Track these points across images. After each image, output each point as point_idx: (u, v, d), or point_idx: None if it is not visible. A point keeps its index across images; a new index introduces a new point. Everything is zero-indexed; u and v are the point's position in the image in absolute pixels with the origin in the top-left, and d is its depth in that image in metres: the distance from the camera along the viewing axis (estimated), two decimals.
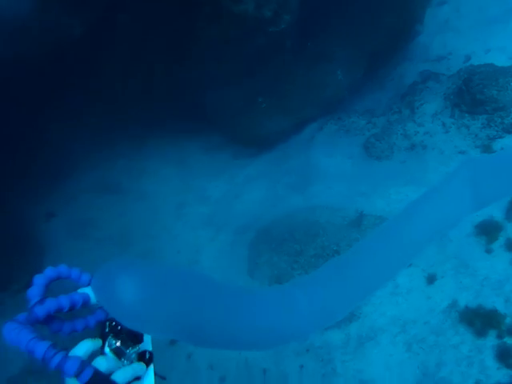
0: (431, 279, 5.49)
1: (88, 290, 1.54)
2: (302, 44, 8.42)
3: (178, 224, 7.83)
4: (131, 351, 1.55)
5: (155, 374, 1.64)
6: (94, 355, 1.45)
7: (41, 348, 1.31)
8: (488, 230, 5.60)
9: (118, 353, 1.52)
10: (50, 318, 1.47)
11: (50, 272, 1.53)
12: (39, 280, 1.50)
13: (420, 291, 5.44)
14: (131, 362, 1.54)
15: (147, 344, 1.64)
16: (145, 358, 1.59)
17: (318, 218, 6.64)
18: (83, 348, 1.45)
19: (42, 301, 1.46)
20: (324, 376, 5.04)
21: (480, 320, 4.89)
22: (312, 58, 8.54)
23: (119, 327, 1.54)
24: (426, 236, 1.82)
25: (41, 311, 1.42)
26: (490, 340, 4.78)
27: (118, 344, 1.53)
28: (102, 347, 1.51)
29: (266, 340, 1.64)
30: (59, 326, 1.51)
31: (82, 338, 1.49)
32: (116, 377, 1.44)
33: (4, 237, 7.69)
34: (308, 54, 8.53)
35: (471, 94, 7.17)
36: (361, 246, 1.86)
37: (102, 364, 1.44)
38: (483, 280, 5.26)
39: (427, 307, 5.28)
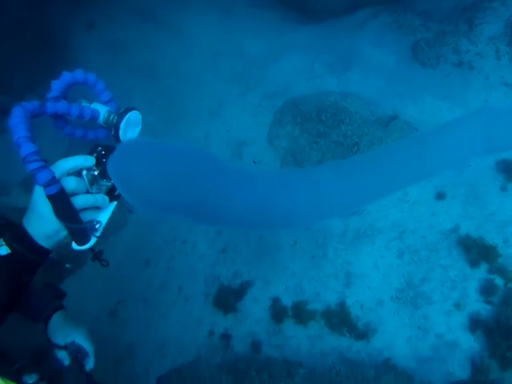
0: (440, 197, 5.25)
1: (100, 107, 1.58)
2: None
3: (208, 72, 7.38)
4: (104, 183, 1.56)
5: (125, 206, 1.65)
6: (80, 171, 1.51)
7: (26, 149, 1.34)
8: (509, 169, 5.28)
9: (92, 180, 1.54)
10: (57, 116, 1.55)
11: (66, 77, 1.55)
12: (56, 84, 1.55)
13: (426, 206, 5.23)
14: (98, 192, 1.56)
15: None
16: (113, 194, 1.61)
17: (348, 106, 6.24)
18: (74, 161, 1.50)
19: (57, 98, 1.53)
20: (314, 257, 4.93)
21: (477, 250, 4.72)
22: None
23: (105, 160, 1.53)
24: (438, 164, 1.73)
25: (51, 108, 1.48)
26: (479, 273, 4.64)
27: (96, 173, 1.54)
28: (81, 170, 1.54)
29: (264, 222, 1.61)
30: (62, 124, 1.61)
31: (77, 152, 1.53)
32: (76, 199, 1.48)
33: (40, 37, 7.30)
34: None
35: None
36: (376, 153, 1.75)
37: (71, 184, 1.47)
38: (489, 215, 5.03)
39: (428, 223, 5.09)
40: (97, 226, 1.55)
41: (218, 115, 6.55)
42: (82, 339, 2.21)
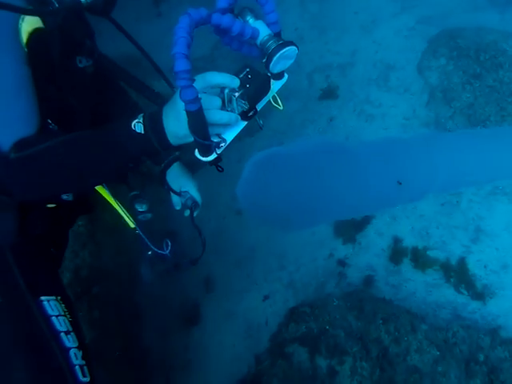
0: None
1: (261, 28, 1.52)
2: None
3: None
4: (241, 104, 1.53)
5: (257, 123, 1.68)
6: (223, 88, 1.51)
7: (180, 65, 1.33)
8: None
9: (230, 100, 1.52)
10: (218, 26, 1.48)
11: None
12: None
13: None
14: (232, 111, 1.54)
15: (260, 105, 1.64)
16: (247, 115, 1.58)
17: (509, 49, 5.48)
18: (221, 79, 1.50)
19: (224, 10, 1.48)
20: (445, 204, 4.51)
21: None
22: None
23: (248, 85, 1.51)
24: None
25: (216, 20, 1.44)
26: None
27: (237, 94, 1.51)
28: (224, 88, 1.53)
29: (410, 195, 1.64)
30: (221, 34, 1.56)
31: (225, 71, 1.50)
32: (211, 115, 1.47)
33: None
34: None
35: None
36: None
37: (210, 102, 1.49)
38: None
39: None
40: (221, 145, 1.56)
41: (369, 33, 5.94)
42: (195, 191, 2.39)
